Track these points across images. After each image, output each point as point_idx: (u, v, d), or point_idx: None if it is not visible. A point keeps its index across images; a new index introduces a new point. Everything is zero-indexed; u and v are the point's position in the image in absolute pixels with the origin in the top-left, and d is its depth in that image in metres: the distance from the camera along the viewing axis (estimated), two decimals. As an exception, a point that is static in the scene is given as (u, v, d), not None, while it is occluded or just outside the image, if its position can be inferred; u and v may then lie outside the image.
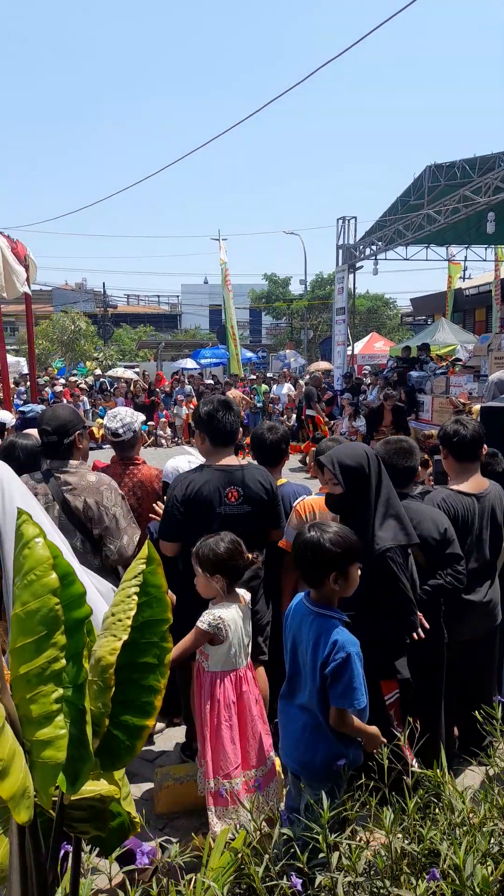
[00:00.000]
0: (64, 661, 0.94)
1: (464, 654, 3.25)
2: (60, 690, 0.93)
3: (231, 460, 3.06)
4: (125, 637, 1.01)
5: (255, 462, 3.51)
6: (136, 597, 1.05)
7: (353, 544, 2.25)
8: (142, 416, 3.78)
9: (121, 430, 3.56)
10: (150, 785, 3.29)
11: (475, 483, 3.32)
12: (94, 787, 1.27)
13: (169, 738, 3.78)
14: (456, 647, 3.13)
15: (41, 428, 2.92)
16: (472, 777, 3.13)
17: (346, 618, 2.27)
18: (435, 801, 2.02)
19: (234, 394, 14.94)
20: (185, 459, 3.45)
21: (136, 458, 3.70)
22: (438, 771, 2.04)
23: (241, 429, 3.17)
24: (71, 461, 2.93)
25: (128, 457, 3.66)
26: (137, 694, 1.15)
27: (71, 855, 1.33)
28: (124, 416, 3.60)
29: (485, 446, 3.40)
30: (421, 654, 2.92)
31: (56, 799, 1.15)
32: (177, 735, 3.77)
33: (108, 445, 3.92)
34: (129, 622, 1.02)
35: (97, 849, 1.49)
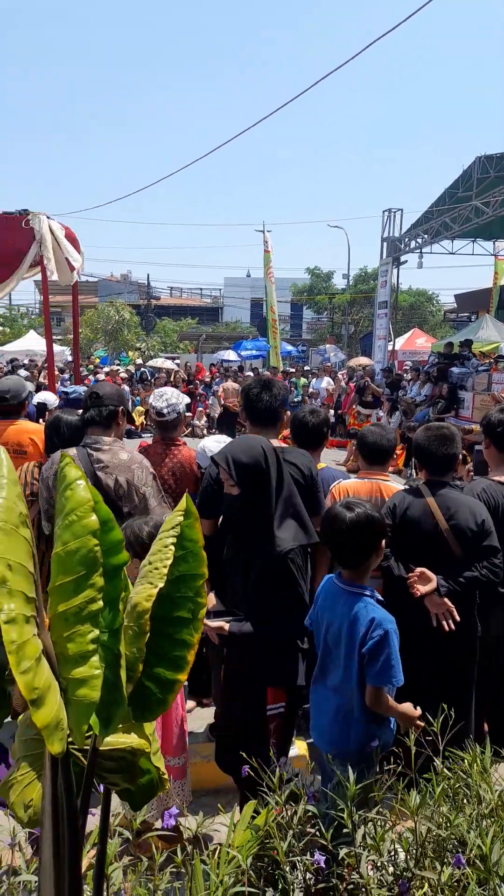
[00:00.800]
0: (101, 603, 0.95)
1: (496, 650, 3.19)
2: (97, 631, 0.95)
3: (276, 443, 3.00)
4: (161, 585, 1.02)
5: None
6: (172, 547, 1.05)
7: (381, 518, 2.31)
8: (186, 399, 3.82)
9: (165, 410, 3.60)
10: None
11: None
12: (126, 740, 1.29)
13: (198, 717, 3.82)
14: (489, 641, 3.08)
15: (91, 393, 2.97)
16: (502, 772, 3.08)
17: (378, 595, 2.27)
18: (465, 790, 1.99)
19: (228, 386, 14.56)
20: (213, 440, 3.46)
21: (178, 439, 3.73)
22: (467, 760, 2.02)
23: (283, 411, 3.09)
24: (105, 438, 2.97)
25: (170, 437, 3.69)
26: (170, 647, 1.16)
27: (101, 806, 1.35)
28: (170, 397, 3.64)
29: None
30: (454, 645, 2.88)
31: (89, 744, 1.17)
32: (206, 715, 3.80)
33: (146, 434, 3.98)
34: (166, 571, 1.03)
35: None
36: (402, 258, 17.64)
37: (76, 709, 0.93)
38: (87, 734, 1.02)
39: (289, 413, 3.14)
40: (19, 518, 0.88)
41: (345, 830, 1.70)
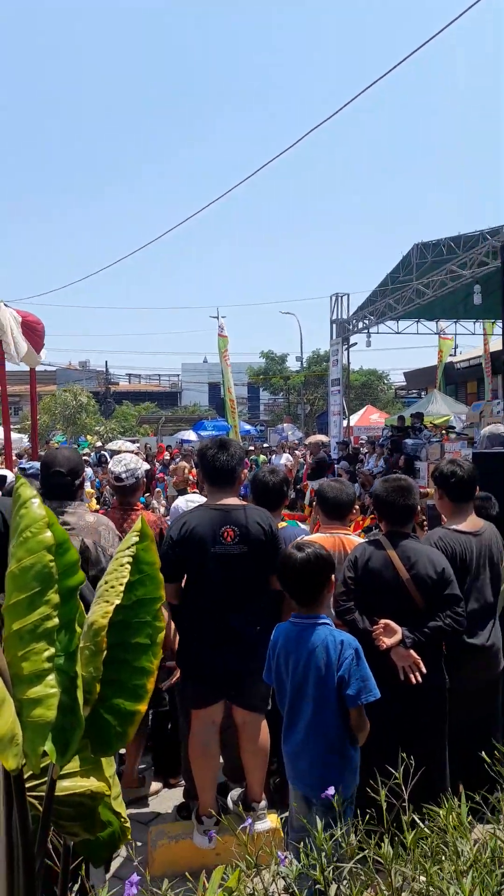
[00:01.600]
0: (57, 621, 0.95)
1: (466, 703, 3.15)
2: (52, 649, 0.94)
3: (231, 500, 3.03)
4: (118, 601, 1.03)
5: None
6: (128, 566, 1.07)
7: (328, 555, 2.47)
8: (146, 465, 3.85)
9: (124, 475, 3.62)
10: (143, 848, 3.12)
11: (471, 522, 3.33)
12: (84, 783, 1.25)
13: (166, 798, 3.61)
14: (458, 695, 3.05)
15: (54, 469, 2.95)
16: (478, 831, 2.98)
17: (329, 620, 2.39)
18: (442, 846, 1.94)
19: (181, 466, 14.44)
20: (185, 500, 3.48)
21: (137, 504, 3.74)
22: (442, 814, 1.97)
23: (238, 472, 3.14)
24: (70, 502, 2.96)
25: (129, 502, 3.70)
26: (129, 676, 1.15)
27: (61, 862, 1.28)
28: (129, 462, 3.67)
29: (477, 488, 3.44)
30: (423, 699, 2.85)
31: (45, 780, 1.12)
32: (174, 796, 3.60)
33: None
34: (122, 589, 1.04)
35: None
36: (352, 339, 18.45)
37: (31, 730, 0.92)
38: (42, 763, 0.99)
39: (246, 472, 3.19)
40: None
41: (317, 887, 1.63)
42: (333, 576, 2.46)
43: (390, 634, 2.83)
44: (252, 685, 2.97)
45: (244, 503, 3.10)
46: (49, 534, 0.96)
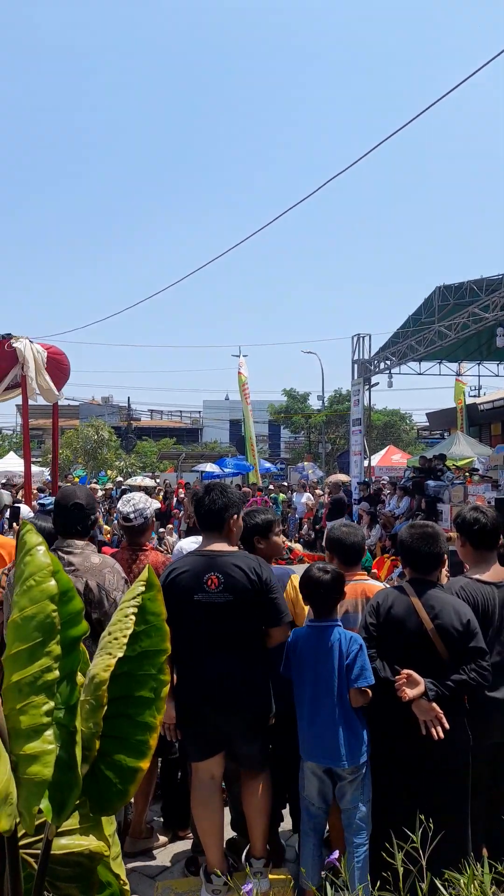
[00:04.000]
0: (57, 673, 0.92)
1: (489, 760, 3.02)
2: (51, 703, 0.91)
3: (220, 546, 2.87)
4: (120, 654, 1.00)
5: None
6: (133, 616, 1.04)
7: (342, 573, 2.99)
8: (156, 504, 3.81)
9: (132, 515, 3.58)
10: (149, 903, 3.00)
11: (495, 572, 3.24)
12: (82, 842, 1.20)
13: (173, 851, 3.48)
14: (481, 752, 2.93)
15: (74, 503, 2.94)
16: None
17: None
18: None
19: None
20: (190, 541, 3.44)
21: (146, 544, 3.69)
22: (463, 881, 1.86)
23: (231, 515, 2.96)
24: (77, 541, 2.94)
25: (137, 543, 3.65)
26: (131, 731, 1.11)
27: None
28: (137, 502, 3.63)
29: (502, 536, 3.35)
30: (445, 755, 2.74)
31: (40, 837, 1.08)
32: (182, 849, 3.47)
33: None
34: (125, 640, 1.01)
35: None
36: (373, 380, 18.47)
37: (27, 788, 0.88)
38: (38, 820, 0.95)
39: (239, 518, 3.05)
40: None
41: None
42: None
43: (413, 686, 2.74)
44: (247, 743, 2.86)
45: (233, 549, 2.92)
46: (53, 582, 0.94)
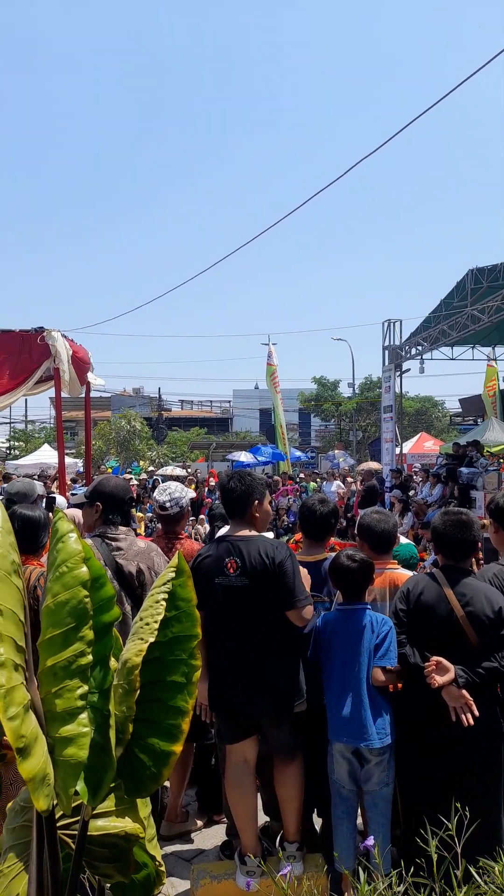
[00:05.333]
0: (90, 657, 0.94)
1: None
2: (85, 687, 0.93)
3: (243, 532, 2.91)
4: (152, 639, 1.01)
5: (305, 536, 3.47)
6: (164, 602, 1.05)
7: (370, 560, 3.01)
8: (191, 493, 3.85)
9: (168, 504, 3.62)
10: (186, 885, 3.06)
11: None
12: (118, 824, 1.22)
13: (209, 835, 3.54)
14: None
15: (130, 496, 3.11)
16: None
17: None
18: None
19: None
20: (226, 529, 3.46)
21: (181, 533, 3.74)
22: (497, 869, 1.85)
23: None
24: (121, 527, 3.00)
25: (173, 531, 3.70)
26: (164, 715, 1.13)
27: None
28: (173, 491, 3.67)
29: None
30: (476, 747, 2.72)
31: (76, 827, 1.10)
32: (217, 833, 3.52)
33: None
34: (157, 626, 1.02)
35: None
36: (405, 365, 18.25)
37: (63, 770, 0.90)
38: (74, 802, 0.98)
39: (267, 506, 3.08)
40: (12, 566, 0.89)
41: None
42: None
43: (443, 672, 2.72)
44: (276, 727, 2.88)
45: (254, 534, 2.94)
46: (85, 569, 0.96)
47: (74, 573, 0.95)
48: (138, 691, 0.99)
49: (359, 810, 3.01)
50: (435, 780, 2.74)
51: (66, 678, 0.92)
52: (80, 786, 0.95)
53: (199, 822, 3.64)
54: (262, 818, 3.26)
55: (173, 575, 1.10)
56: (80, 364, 8.61)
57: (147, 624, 1.03)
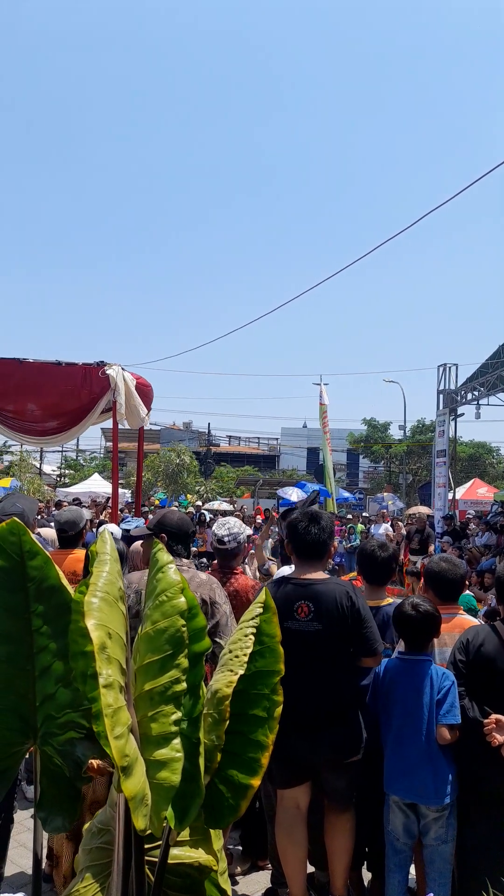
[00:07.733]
0: (185, 685, 0.98)
1: None
2: (179, 713, 0.97)
3: (314, 575, 2.88)
4: (241, 672, 1.04)
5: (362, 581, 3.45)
6: (252, 636, 1.09)
7: (437, 611, 2.91)
8: (249, 530, 3.90)
9: (226, 538, 3.68)
10: (229, 931, 2.99)
11: None
12: (193, 854, 1.24)
13: (254, 881, 3.46)
14: None
15: (193, 530, 3.20)
16: None
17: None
18: None
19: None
20: (287, 570, 3.47)
21: (237, 568, 3.77)
22: None
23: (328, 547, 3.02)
24: (184, 559, 3.09)
25: (228, 566, 3.74)
26: (244, 748, 1.15)
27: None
28: (232, 526, 3.73)
29: None
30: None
31: (156, 856, 1.13)
32: (261, 879, 3.44)
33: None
34: (246, 659, 1.06)
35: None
36: (459, 410, 18.05)
37: (156, 793, 0.93)
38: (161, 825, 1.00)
39: (336, 544, 3.12)
40: (118, 592, 0.95)
41: None
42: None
43: (503, 731, 2.64)
44: (334, 774, 2.82)
45: (327, 577, 2.92)
46: (183, 599, 1.01)
47: (174, 602, 1.00)
48: (227, 722, 1.02)
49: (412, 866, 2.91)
50: (498, 837, 2.64)
51: (161, 703, 0.96)
52: (168, 811, 0.98)
53: (241, 868, 3.56)
54: (308, 867, 3.18)
55: (261, 610, 1.13)
56: (145, 391, 8.88)
57: (236, 656, 1.06)
